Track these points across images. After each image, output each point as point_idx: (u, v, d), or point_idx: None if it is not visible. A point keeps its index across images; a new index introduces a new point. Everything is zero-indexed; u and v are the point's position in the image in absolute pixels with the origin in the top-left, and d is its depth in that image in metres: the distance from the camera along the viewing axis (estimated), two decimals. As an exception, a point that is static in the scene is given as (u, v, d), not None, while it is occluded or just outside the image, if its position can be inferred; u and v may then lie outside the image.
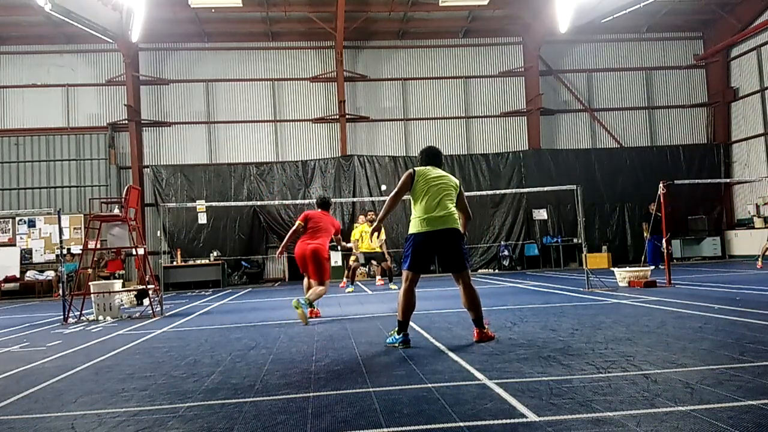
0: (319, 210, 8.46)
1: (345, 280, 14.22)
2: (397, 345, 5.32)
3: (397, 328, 5.40)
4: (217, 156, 19.86)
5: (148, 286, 10.16)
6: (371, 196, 18.90)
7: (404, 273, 5.41)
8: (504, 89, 20.94)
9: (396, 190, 5.50)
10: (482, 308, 5.55)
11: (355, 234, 13.67)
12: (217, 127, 20.04)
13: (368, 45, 20.59)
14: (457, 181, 5.71)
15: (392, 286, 12.95)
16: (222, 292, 15.73)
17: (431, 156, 5.74)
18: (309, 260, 7.95)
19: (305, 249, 7.98)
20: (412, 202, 5.55)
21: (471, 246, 19.63)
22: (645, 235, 15.42)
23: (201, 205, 17.85)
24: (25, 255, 18.49)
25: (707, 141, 21.27)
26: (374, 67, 20.57)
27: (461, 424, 2.96)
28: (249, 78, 20.18)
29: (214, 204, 17.44)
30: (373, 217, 13.89)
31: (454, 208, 5.49)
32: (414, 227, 5.44)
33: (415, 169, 5.56)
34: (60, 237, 9.89)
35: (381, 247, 13.43)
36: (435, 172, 5.57)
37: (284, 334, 6.63)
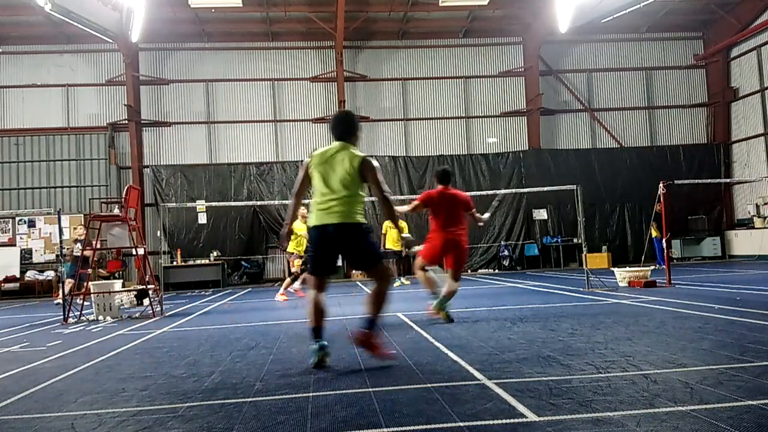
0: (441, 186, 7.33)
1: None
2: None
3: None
4: (217, 156, 19.86)
5: (148, 286, 10.16)
6: (371, 195, 18.87)
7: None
8: (504, 89, 20.94)
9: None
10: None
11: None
12: (217, 127, 20.05)
13: (368, 45, 20.59)
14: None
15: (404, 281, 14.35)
16: (222, 292, 15.73)
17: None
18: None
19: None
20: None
21: (471, 246, 19.61)
22: (654, 234, 15.42)
23: (201, 205, 17.86)
24: (25, 255, 18.49)
25: (707, 141, 21.28)
26: (374, 67, 20.57)
27: (461, 424, 2.96)
28: (249, 78, 20.18)
29: (214, 204, 17.45)
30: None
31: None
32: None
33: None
34: (60, 237, 9.89)
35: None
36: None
37: (284, 334, 6.63)
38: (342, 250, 4.68)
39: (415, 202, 7.38)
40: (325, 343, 4.60)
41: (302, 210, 12.34)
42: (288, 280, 12.16)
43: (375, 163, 4.73)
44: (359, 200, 4.68)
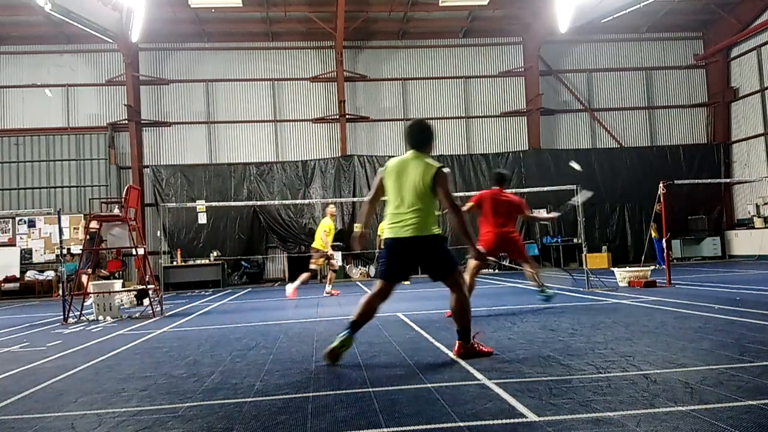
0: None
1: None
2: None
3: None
4: (217, 156, 19.86)
5: (148, 286, 10.16)
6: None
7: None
8: (504, 89, 20.94)
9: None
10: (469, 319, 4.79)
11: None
12: (217, 127, 20.04)
13: (368, 45, 20.59)
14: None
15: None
16: (222, 292, 15.73)
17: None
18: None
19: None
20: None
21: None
22: (654, 234, 15.42)
23: (201, 205, 17.86)
24: (25, 255, 18.49)
25: (707, 141, 21.28)
26: (374, 67, 20.57)
27: (461, 424, 2.96)
28: (249, 78, 20.18)
29: (214, 204, 17.45)
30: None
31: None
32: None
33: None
34: (60, 237, 9.89)
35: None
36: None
37: (284, 334, 6.63)
38: (418, 261, 4.77)
39: (469, 203, 7.71)
40: (354, 338, 4.70)
41: (331, 208, 12.51)
42: (332, 274, 12.48)
43: (446, 170, 4.75)
44: (433, 212, 4.71)
